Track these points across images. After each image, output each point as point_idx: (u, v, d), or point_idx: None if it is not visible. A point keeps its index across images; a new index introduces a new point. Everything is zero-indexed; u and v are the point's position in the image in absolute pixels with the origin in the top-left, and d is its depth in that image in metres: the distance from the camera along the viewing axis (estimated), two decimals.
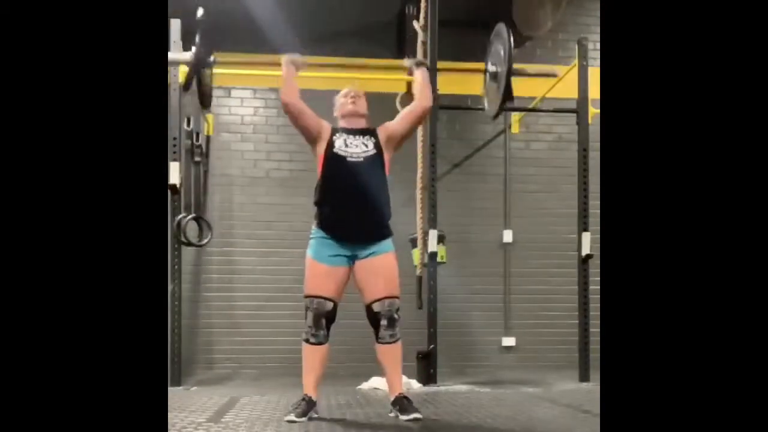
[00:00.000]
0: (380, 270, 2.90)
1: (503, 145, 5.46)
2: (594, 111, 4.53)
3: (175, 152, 4.19)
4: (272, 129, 5.30)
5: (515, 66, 3.08)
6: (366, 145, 2.97)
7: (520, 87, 5.34)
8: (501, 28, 2.95)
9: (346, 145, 2.95)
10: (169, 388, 3.88)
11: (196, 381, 4.56)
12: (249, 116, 5.29)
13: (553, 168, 5.41)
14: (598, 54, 4.84)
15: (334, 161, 2.93)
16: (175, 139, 4.21)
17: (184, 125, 4.39)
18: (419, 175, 4.48)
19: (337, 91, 3.19)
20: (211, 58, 2.64)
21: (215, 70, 4.59)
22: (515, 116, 5.43)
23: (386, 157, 3.01)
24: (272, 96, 5.30)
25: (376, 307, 2.89)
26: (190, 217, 4.38)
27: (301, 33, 5.07)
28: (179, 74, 4.30)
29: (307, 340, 2.91)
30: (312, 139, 3.02)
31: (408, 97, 4.72)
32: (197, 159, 4.60)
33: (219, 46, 4.68)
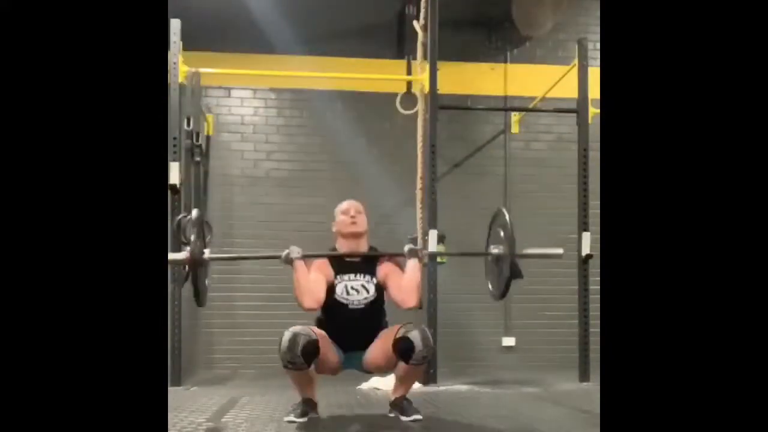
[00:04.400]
0: (384, 333, 2.89)
1: (503, 145, 5.46)
2: (594, 111, 4.53)
3: (175, 152, 4.19)
4: (272, 129, 5.30)
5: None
6: (367, 291, 2.93)
7: (520, 87, 5.40)
8: (500, 212, 2.96)
9: (348, 293, 2.92)
10: (169, 388, 3.88)
11: (196, 381, 4.55)
12: (249, 116, 5.29)
13: (553, 168, 5.41)
14: (598, 54, 4.84)
15: (335, 307, 2.91)
16: (175, 139, 4.20)
17: (184, 125, 4.39)
18: (419, 175, 4.48)
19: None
20: (205, 255, 2.69)
21: (216, 70, 4.63)
22: (515, 116, 5.43)
23: (384, 292, 2.97)
24: (272, 96, 5.30)
25: (400, 332, 2.76)
26: (190, 217, 4.38)
27: (301, 33, 5.08)
28: (179, 74, 4.31)
29: (285, 366, 2.75)
30: None
31: (408, 97, 4.73)
32: (197, 159, 4.60)
33: (218, 46, 4.69)
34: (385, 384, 3.85)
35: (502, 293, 2.87)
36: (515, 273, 2.76)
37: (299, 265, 2.81)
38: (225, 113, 5.26)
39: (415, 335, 2.73)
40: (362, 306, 2.92)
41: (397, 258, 3.00)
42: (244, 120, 5.29)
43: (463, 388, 4.18)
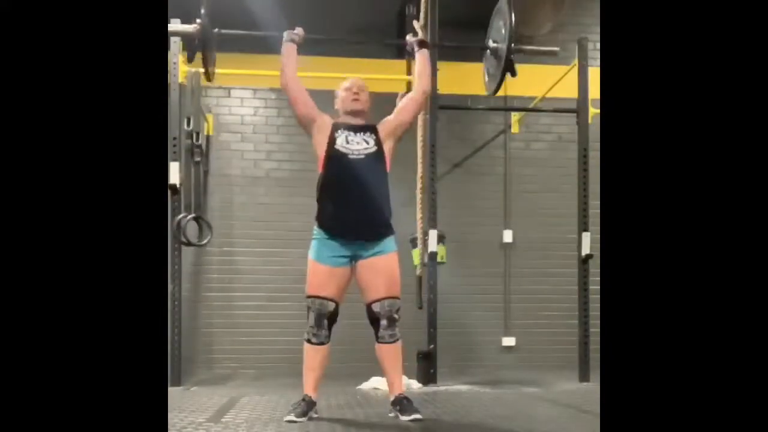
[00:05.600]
0: (382, 270, 2.91)
1: (503, 145, 5.46)
2: (594, 111, 4.53)
3: (175, 152, 4.19)
4: (272, 129, 5.30)
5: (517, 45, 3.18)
6: (367, 142, 2.97)
7: (520, 87, 5.39)
8: (503, 3, 3.01)
9: (348, 142, 2.94)
10: (169, 388, 3.88)
11: (196, 381, 4.55)
12: (249, 116, 5.29)
13: (553, 168, 5.41)
14: (598, 54, 4.84)
15: (335, 158, 2.93)
16: (175, 139, 4.21)
17: (184, 125, 4.39)
18: (419, 175, 4.48)
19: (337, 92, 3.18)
20: (216, 30, 2.66)
21: (216, 70, 4.61)
22: (515, 116, 5.43)
23: (387, 152, 3.02)
24: (272, 96, 5.30)
25: (375, 308, 2.89)
26: (190, 217, 4.38)
27: None
28: (179, 74, 4.31)
29: (308, 340, 2.92)
30: (306, 126, 3.05)
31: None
32: (197, 159, 4.60)
33: (218, 46, 4.67)
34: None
35: (496, 88, 3.04)
36: (509, 68, 2.87)
37: (288, 48, 3.05)
38: (225, 113, 5.26)
39: (384, 323, 2.88)
40: (362, 156, 2.94)
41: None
42: (244, 120, 5.29)
43: (463, 388, 4.18)
